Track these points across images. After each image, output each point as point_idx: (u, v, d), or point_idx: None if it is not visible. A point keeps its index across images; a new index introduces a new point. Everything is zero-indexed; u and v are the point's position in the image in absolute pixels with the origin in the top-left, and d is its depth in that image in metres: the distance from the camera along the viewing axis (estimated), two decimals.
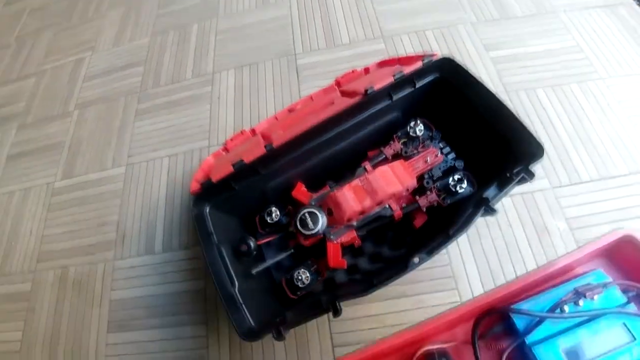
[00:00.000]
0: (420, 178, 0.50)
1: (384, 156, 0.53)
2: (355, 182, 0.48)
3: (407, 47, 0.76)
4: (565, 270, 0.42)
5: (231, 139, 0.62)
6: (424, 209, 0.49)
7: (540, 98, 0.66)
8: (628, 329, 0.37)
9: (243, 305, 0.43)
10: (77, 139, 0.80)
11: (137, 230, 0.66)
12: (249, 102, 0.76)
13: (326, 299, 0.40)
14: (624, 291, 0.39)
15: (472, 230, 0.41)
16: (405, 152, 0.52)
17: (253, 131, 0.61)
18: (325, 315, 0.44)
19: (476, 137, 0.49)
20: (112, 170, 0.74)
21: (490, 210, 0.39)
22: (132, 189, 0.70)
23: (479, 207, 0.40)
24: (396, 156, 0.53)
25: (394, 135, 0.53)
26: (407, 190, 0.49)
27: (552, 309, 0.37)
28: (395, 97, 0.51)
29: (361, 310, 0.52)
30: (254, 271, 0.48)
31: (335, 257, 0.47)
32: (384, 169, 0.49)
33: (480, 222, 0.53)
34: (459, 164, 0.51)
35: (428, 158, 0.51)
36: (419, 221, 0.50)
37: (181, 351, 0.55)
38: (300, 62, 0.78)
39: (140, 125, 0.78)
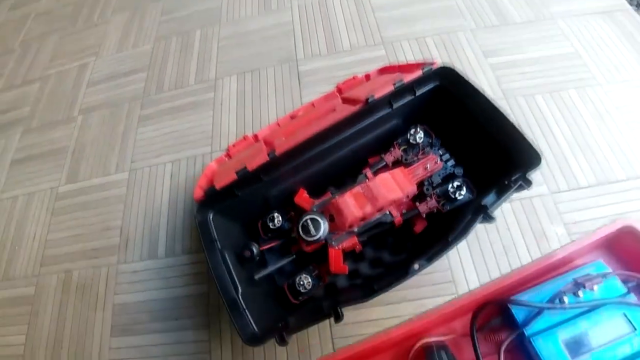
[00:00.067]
0: (420, 185, 0.51)
1: (384, 163, 0.53)
2: (357, 188, 0.49)
3: (407, 54, 0.76)
4: (565, 262, 0.42)
5: (233, 145, 0.63)
6: (424, 215, 0.49)
7: (538, 104, 0.66)
8: (628, 320, 0.36)
9: (246, 311, 0.44)
10: (81, 144, 0.81)
11: (140, 235, 0.67)
12: (251, 108, 0.77)
13: (328, 304, 0.41)
14: (624, 282, 0.38)
15: (471, 235, 0.41)
16: (406, 159, 0.53)
17: (255, 137, 0.62)
18: (327, 320, 0.44)
19: (475, 145, 0.50)
20: (115, 175, 0.74)
21: (489, 218, 0.40)
22: (136, 194, 0.71)
23: (478, 214, 0.41)
24: (396, 163, 0.54)
25: (395, 142, 0.54)
26: (407, 196, 0.50)
27: (551, 300, 0.37)
28: (395, 105, 0.51)
29: (362, 315, 0.53)
30: (256, 277, 0.49)
31: (336, 263, 0.48)
32: (385, 176, 0.49)
33: (479, 227, 0.54)
34: (458, 170, 0.52)
35: (428, 165, 0.51)
36: (419, 227, 0.51)
37: (184, 355, 0.55)
38: (301, 69, 0.79)
39: (143, 130, 0.79)
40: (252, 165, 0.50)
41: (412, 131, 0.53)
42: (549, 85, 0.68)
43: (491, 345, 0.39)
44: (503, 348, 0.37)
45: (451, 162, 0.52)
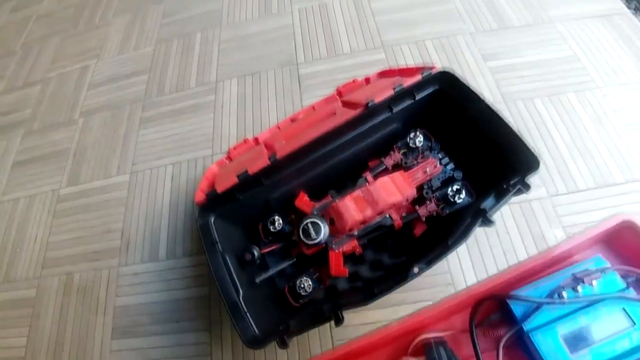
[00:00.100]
0: (419, 188, 0.51)
1: (384, 166, 0.54)
2: (357, 192, 0.49)
3: (407, 57, 0.77)
4: (564, 258, 0.41)
5: (234, 148, 0.63)
6: (424, 219, 0.50)
7: (537, 107, 0.67)
8: (628, 314, 0.36)
9: (247, 314, 0.44)
10: (82, 146, 0.81)
11: (142, 238, 0.67)
12: (251, 110, 0.77)
13: (328, 307, 0.41)
14: (624, 277, 0.38)
15: (470, 238, 0.42)
16: (405, 163, 0.53)
17: (256, 140, 0.62)
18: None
19: (474, 148, 0.50)
20: (116, 177, 0.75)
21: (488, 222, 0.40)
22: (137, 196, 0.72)
23: (477, 217, 0.41)
24: (396, 166, 0.54)
25: (394, 146, 0.54)
26: (407, 200, 0.50)
27: (550, 295, 0.37)
28: (395, 109, 0.52)
29: (363, 317, 0.53)
30: (258, 280, 0.49)
31: (337, 266, 0.48)
32: (385, 179, 0.50)
33: (479, 230, 0.54)
34: (458, 174, 0.52)
35: (427, 169, 0.52)
36: (418, 230, 0.51)
37: (185, 358, 0.56)
38: (302, 72, 0.79)
39: (144, 133, 0.79)
40: (253, 168, 0.50)
41: (411, 135, 0.53)
42: (548, 88, 0.68)
43: (490, 341, 0.39)
44: (502, 343, 0.37)
45: (450, 166, 0.53)
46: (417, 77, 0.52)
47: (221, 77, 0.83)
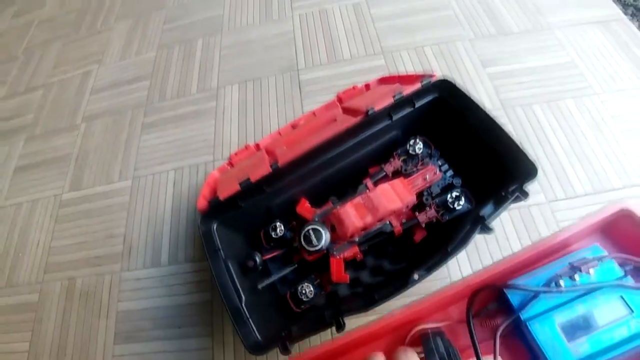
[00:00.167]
0: (419, 195, 0.52)
1: (384, 173, 0.54)
2: (357, 199, 0.50)
3: (407, 63, 0.78)
4: (561, 247, 0.41)
5: (235, 154, 0.64)
6: (423, 225, 0.50)
7: (536, 113, 0.68)
8: (625, 302, 0.36)
9: (249, 319, 0.44)
10: (85, 151, 0.82)
11: (144, 243, 0.67)
12: (252, 116, 0.78)
13: (330, 314, 0.41)
14: (621, 265, 0.38)
15: (470, 245, 0.42)
16: (405, 170, 0.54)
17: (257, 146, 0.63)
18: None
19: (473, 155, 0.51)
20: (119, 183, 0.75)
21: (487, 229, 0.41)
22: (139, 201, 0.72)
23: (476, 224, 0.42)
24: (396, 173, 0.54)
25: (394, 153, 0.55)
26: (407, 206, 0.51)
27: (547, 284, 0.36)
28: (395, 117, 0.52)
29: (363, 322, 0.53)
30: (260, 286, 0.50)
31: (338, 272, 0.49)
32: (385, 186, 0.50)
33: (479, 237, 0.54)
34: (457, 181, 0.53)
35: (427, 175, 0.52)
36: (418, 236, 0.51)
37: None
38: (302, 78, 0.80)
39: (146, 138, 0.80)
40: (254, 176, 0.51)
41: (411, 142, 0.54)
42: (546, 94, 0.69)
43: (487, 331, 0.39)
44: (499, 333, 0.36)
45: (450, 173, 0.53)
46: (417, 85, 0.52)
47: (222, 83, 0.84)
